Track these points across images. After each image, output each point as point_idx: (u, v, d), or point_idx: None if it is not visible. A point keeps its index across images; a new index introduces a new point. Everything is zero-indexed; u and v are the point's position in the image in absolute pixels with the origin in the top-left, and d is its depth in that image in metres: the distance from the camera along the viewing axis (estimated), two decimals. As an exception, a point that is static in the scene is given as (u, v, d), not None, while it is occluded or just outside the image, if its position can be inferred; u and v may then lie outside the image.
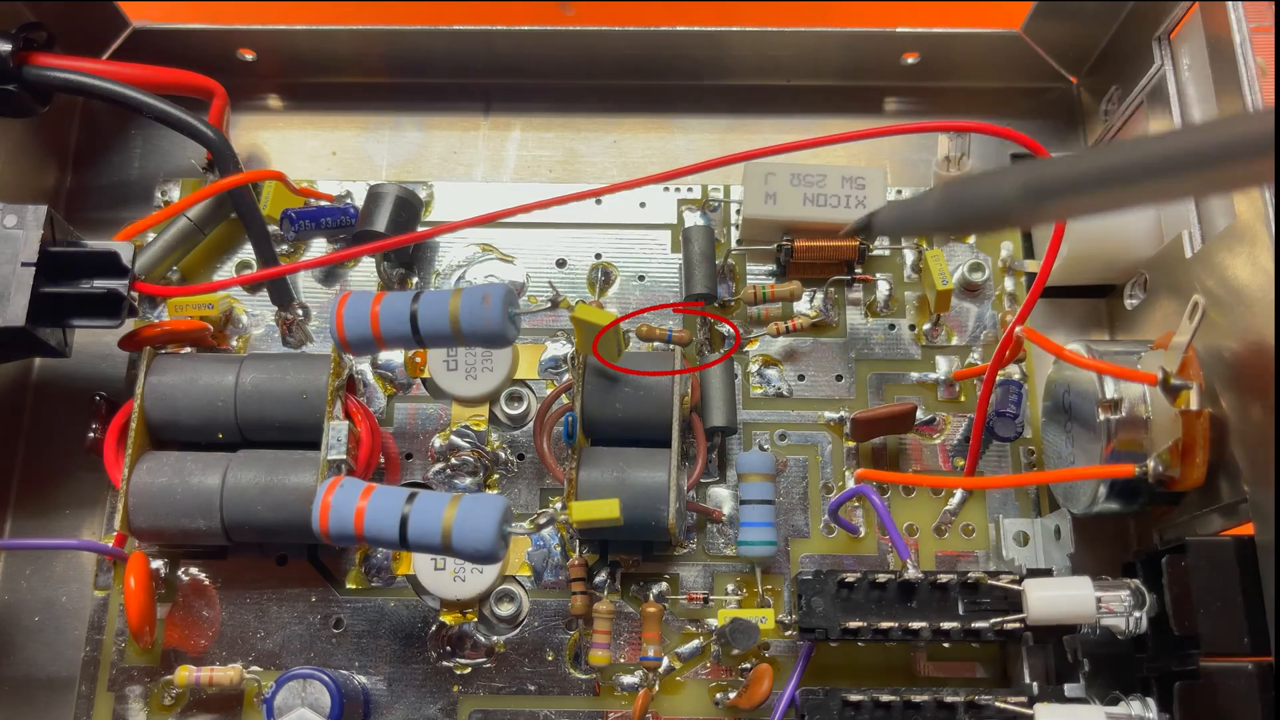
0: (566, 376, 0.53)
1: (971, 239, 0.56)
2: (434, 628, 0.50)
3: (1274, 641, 0.40)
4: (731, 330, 0.54)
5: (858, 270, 0.55)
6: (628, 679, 0.50)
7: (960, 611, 0.46)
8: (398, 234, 0.53)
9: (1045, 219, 0.24)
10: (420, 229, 0.56)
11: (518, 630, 0.51)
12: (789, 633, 0.50)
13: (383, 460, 0.53)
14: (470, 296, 0.45)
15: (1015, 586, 0.46)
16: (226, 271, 0.56)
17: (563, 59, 0.60)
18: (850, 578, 0.46)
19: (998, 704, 0.45)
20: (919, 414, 0.53)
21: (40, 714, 0.51)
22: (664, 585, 0.51)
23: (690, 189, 0.58)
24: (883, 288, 0.55)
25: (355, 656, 0.50)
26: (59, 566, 0.53)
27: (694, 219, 0.57)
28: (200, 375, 0.50)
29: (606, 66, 0.61)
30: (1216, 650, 0.41)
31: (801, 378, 0.54)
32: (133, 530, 0.49)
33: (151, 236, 0.55)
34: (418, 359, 0.54)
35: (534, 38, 0.59)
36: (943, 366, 0.54)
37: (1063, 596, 0.44)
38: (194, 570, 0.51)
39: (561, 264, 0.57)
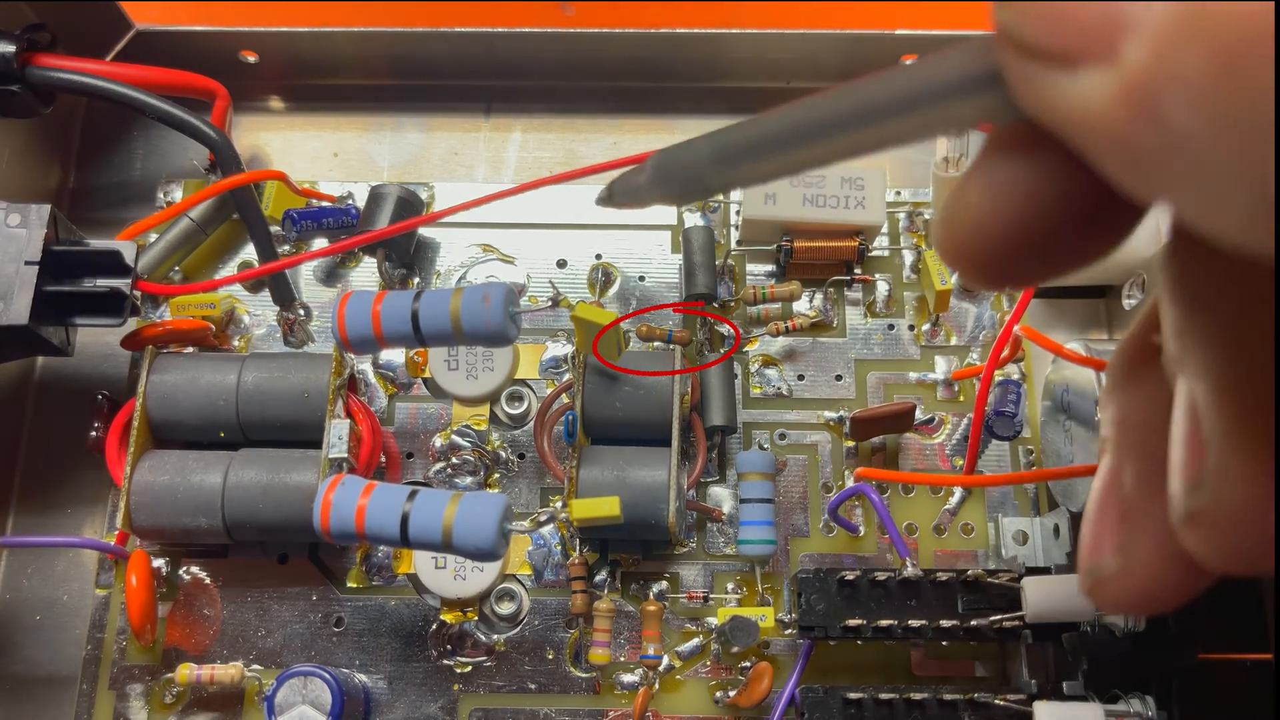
0: (567, 376, 0.53)
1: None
2: (434, 626, 0.51)
3: (1272, 638, 0.40)
4: (731, 330, 0.55)
5: (857, 270, 0.56)
6: (628, 677, 0.50)
7: (959, 610, 0.46)
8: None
9: (744, 183, 0.24)
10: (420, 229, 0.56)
11: (518, 629, 0.51)
12: (789, 631, 0.50)
13: (383, 459, 0.53)
14: (471, 296, 0.45)
15: (1014, 584, 0.46)
16: (228, 271, 0.57)
17: (563, 61, 0.61)
18: (850, 576, 0.47)
19: (997, 701, 0.45)
20: (918, 413, 0.53)
21: (41, 712, 0.51)
22: (664, 584, 0.51)
23: (690, 190, 0.58)
24: (882, 288, 0.56)
25: (356, 655, 0.50)
26: (60, 565, 0.53)
27: (694, 219, 0.57)
28: (202, 374, 0.51)
29: (607, 68, 0.61)
30: (1214, 647, 0.41)
31: (801, 377, 0.55)
32: (134, 529, 0.49)
33: (154, 236, 0.55)
34: (419, 358, 0.54)
35: (535, 40, 0.59)
36: (942, 366, 0.55)
37: (1062, 594, 0.44)
38: (195, 569, 0.51)
39: (562, 264, 0.57)
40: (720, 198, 0.58)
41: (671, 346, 0.53)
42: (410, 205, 0.55)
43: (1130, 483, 0.21)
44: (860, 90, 0.20)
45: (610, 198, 0.27)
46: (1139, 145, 0.15)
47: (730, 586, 0.51)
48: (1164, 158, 0.15)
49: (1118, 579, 0.20)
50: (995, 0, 0.18)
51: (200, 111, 0.53)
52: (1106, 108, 0.16)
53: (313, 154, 0.61)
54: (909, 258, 0.56)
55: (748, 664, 0.50)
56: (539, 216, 0.57)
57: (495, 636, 0.50)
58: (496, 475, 0.53)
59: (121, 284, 0.48)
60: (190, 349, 0.53)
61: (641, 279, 0.57)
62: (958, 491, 0.52)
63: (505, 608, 0.51)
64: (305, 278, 0.57)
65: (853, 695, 0.46)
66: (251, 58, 0.61)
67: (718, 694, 0.49)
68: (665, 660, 0.49)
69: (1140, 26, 0.15)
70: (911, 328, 0.55)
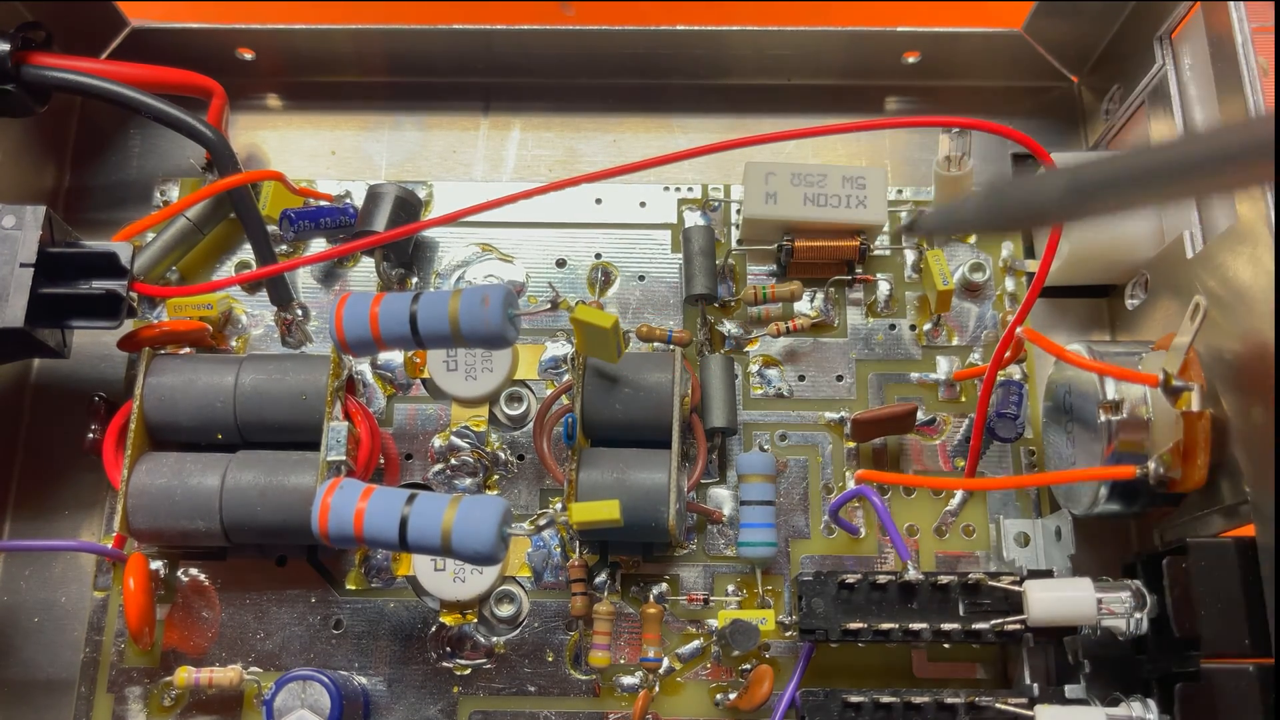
0: (566, 377, 0.53)
1: (972, 239, 0.56)
2: (434, 629, 0.50)
3: (1275, 643, 0.40)
4: (732, 331, 0.54)
5: (858, 270, 0.55)
6: (628, 680, 0.50)
7: (961, 612, 0.46)
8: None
9: (1084, 217, 0.25)
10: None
11: (518, 631, 0.50)
12: (789, 634, 0.50)
13: (382, 461, 0.53)
14: (470, 298, 0.44)
15: (1016, 588, 0.46)
16: (225, 272, 0.56)
17: (563, 58, 0.60)
18: (851, 579, 0.46)
19: (998, 705, 0.45)
20: (919, 414, 0.53)
21: (40, 715, 0.51)
22: (664, 586, 0.51)
23: (690, 189, 0.58)
24: (883, 288, 0.55)
25: (355, 657, 0.50)
26: (58, 568, 0.53)
27: (694, 219, 0.57)
28: (199, 376, 0.50)
29: (606, 66, 0.61)
30: (1217, 652, 0.41)
31: (802, 378, 0.54)
32: (132, 531, 0.49)
33: (150, 237, 0.54)
34: (417, 359, 0.54)
35: (534, 37, 0.59)
36: (943, 367, 0.54)
37: (1063, 598, 0.44)
38: (193, 571, 0.51)
39: (561, 264, 0.56)
40: (720, 196, 0.57)
41: (671, 347, 0.53)
42: (408, 204, 0.55)
43: None
44: (1228, 134, 0.21)
45: (915, 225, 0.28)
46: None
47: (731, 589, 0.51)
48: None
49: None
50: None
51: (197, 110, 0.53)
52: None
53: (310, 152, 0.61)
54: (910, 257, 0.56)
55: (748, 666, 0.49)
56: (538, 216, 0.57)
57: (495, 639, 0.50)
58: (496, 477, 0.53)
59: (117, 286, 0.48)
60: (187, 350, 0.53)
61: (641, 279, 0.56)
62: (959, 493, 0.52)
63: (505, 610, 0.50)
64: (303, 278, 0.56)
65: (853, 698, 0.46)
66: (248, 55, 0.60)
67: (718, 696, 0.49)
68: (665, 662, 0.49)
69: None
70: (913, 328, 0.55)
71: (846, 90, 0.62)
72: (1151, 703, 0.43)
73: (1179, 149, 0.22)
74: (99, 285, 0.48)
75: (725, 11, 0.60)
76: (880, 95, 0.62)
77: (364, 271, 0.56)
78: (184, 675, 0.48)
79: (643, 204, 0.57)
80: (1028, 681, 0.47)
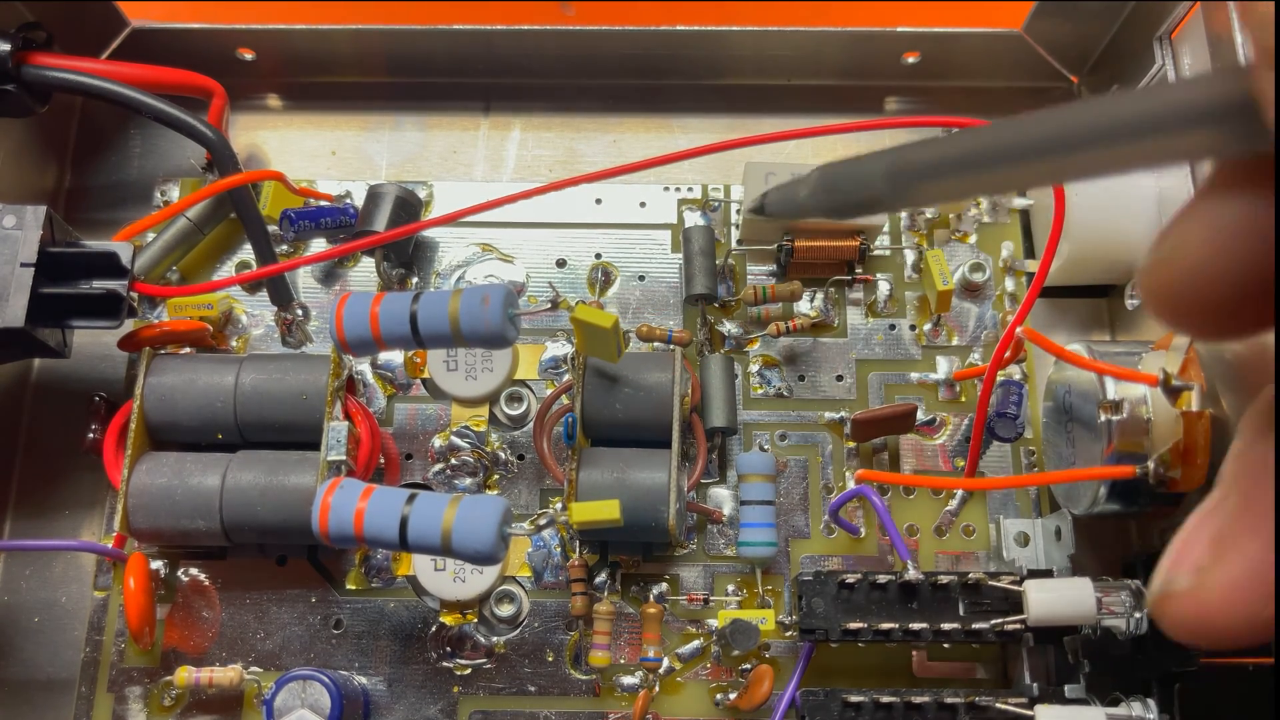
0: (566, 377, 0.53)
1: (972, 238, 0.56)
2: (434, 628, 0.50)
3: (1275, 642, 0.40)
4: (732, 331, 0.54)
5: (858, 270, 0.55)
6: (628, 680, 0.50)
7: (961, 612, 0.46)
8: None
9: (915, 203, 0.23)
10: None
11: (518, 631, 0.50)
12: (789, 633, 0.50)
13: (382, 461, 0.53)
14: (470, 297, 0.44)
15: (1016, 587, 0.46)
16: (226, 272, 0.56)
17: (563, 59, 0.60)
18: (851, 578, 0.46)
19: (998, 705, 0.45)
20: (919, 414, 0.53)
21: (40, 715, 0.51)
22: (664, 586, 0.51)
23: (690, 189, 0.58)
24: (883, 288, 0.55)
25: (355, 657, 0.50)
26: (58, 567, 0.53)
27: (694, 219, 0.57)
28: (200, 376, 0.50)
29: (607, 66, 0.61)
30: (1216, 651, 0.41)
31: (802, 378, 0.54)
32: (132, 531, 0.49)
33: (151, 237, 0.54)
34: (417, 359, 0.54)
35: (534, 37, 0.59)
36: (943, 367, 0.54)
37: (1063, 597, 0.44)
38: (194, 571, 0.51)
39: (561, 264, 0.56)
40: (720, 196, 0.57)
41: (671, 347, 0.53)
42: (409, 204, 0.55)
43: (1231, 511, 0.21)
44: (1068, 115, 0.18)
45: (763, 208, 0.27)
46: None
47: (731, 588, 0.51)
48: None
49: (1187, 597, 0.20)
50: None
51: (197, 110, 0.53)
52: None
53: (310, 152, 0.61)
54: (910, 257, 0.56)
55: (748, 666, 0.49)
56: (538, 216, 0.57)
57: (495, 639, 0.50)
58: (496, 476, 0.53)
59: (118, 286, 0.48)
60: (187, 350, 0.53)
61: (641, 279, 0.56)
62: (959, 493, 0.52)
63: (505, 610, 0.50)
64: (303, 278, 0.56)
65: (853, 698, 0.46)
66: (249, 55, 0.60)
67: (718, 696, 0.49)
68: (665, 662, 0.49)
69: None
70: (913, 328, 0.55)
71: (846, 90, 0.62)
72: (1151, 702, 0.43)
73: (1019, 127, 0.19)
74: (99, 285, 0.48)
75: (725, 12, 0.60)
76: (880, 96, 0.62)
77: (364, 271, 0.56)
78: (184, 675, 0.48)
79: (643, 204, 0.58)
80: (1028, 681, 0.47)
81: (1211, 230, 0.17)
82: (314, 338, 0.55)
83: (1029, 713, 0.44)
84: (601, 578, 0.51)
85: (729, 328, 0.55)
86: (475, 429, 0.53)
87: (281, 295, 0.53)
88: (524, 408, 0.53)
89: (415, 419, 0.54)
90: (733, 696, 0.49)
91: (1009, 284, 0.55)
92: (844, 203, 0.24)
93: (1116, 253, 0.52)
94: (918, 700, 0.45)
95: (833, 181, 0.24)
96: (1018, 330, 0.47)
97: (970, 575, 0.46)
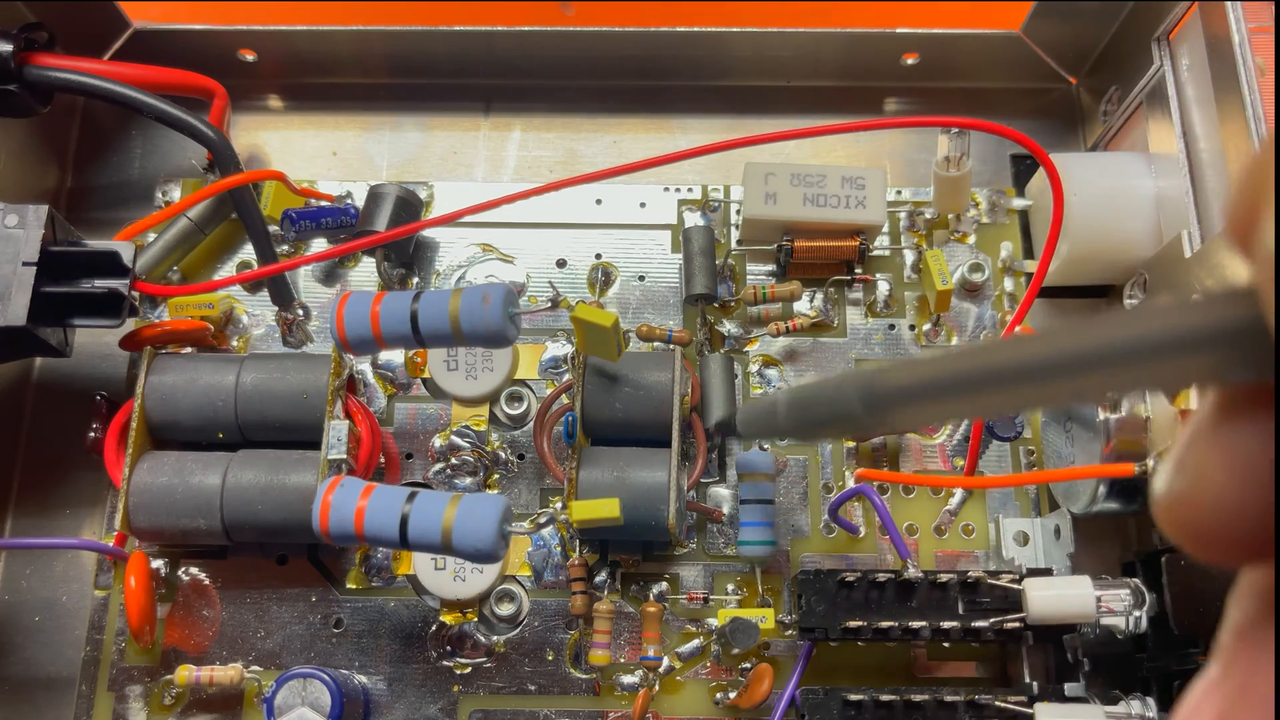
0: (566, 376, 0.53)
1: (971, 239, 0.56)
2: (434, 627, 0.50)
3: (1275, 642, 0.40)
4: (732, 330, 0.55)
5: (858, 270, 0.55)
6: (628, 679, 0.50)
7: (960, 611, 0.46)
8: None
9: (893, 427, 0.22)
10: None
11: (518, 630, 0.51)
12: (789, 632, 0.50)
13: (383, 460, 0.53)
14: (470, 297, 0.45)
15: (1015, 586, 0.46)
16: (227, 271, 0.56)
17: (563, 59, 0.60)
18: (850, 577, 0.46)
19: (998, 703, 0.45)
20: (919, 414, 0.53)
21: (40, 713, 0.51)
22: (664, 585, 0.51)
23: (690, 189, 0.58)
24: (883, 288, 0.55)
25: (355, 656, 0.50)
26: (59, 566, 0.53)
27: (694, 219, 0.57)
28: (201, 375, 0.50)
29: (607, 67, 0.61)
30: (1216, 649, 0.41)
31: (802, 378, 0.54)
32: (133, 530, 0.49)
33: (152, 236, 0.55)
34: (418, 359, 0.54)
35: (534, 38, 0.59)
36: (943, 366, 0.54)
37: (1063, 596, 0.44)
38: (194, 570, 0.51)
39: (562, 264, 0.57)
40: (720, 196, 0.57)
41: (671, 347, 0.53)
42: (409, 205, 0.55)
43: (1233, 690, 0.20)
44: (1062, 339, 0.17)
45: (733, 428, 0.25)
46: None
47: (730, 587, 0.51)
48: None
49: None
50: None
51: (198, 111, 0.53)
52: None
53: (311, 153, 0.61)
54: (910, 257, 0.56)
55: (748, 665, 0.49)
56: (539, 216, 0.57)
57: (495, 638, 0.50)
58: (496, 476, 0.53)
59: (119, 285, 0.48)
60: (189, 349, 0.53)
61: (641, 279, 0.56)
62: (958, 492, 0.52)
63: (505, 609, 0.51)
64: (304, 278, 0.56)
65: (853, 697, 0.46)
66: (250, 56, 0.60)
67: (718, 695, 0.49)
68: (665, 661, 0.49)
69: None
70: (912, 328, 0.55)
71: (846, 91, 0.62)
72: (1151, 701, 0.43)
73: (1010, 352, 0.18)
74: (101, 284, 0.48)
75: (725, 13, 0.61)
76: (879, 96, 0.62)
77: (365, 271, 0.56)
78: (184, 674, 0.48)
79: (643, 204, 0.58)
80: (1027, 680, 0.47)
81: (1231, 460, 0.16)
82: (315, 337, 0.55)
83: (1028, 711, 0.44)
84: (601, 577, 0.51)
85: (729, 328, 0.55)
86: (475, 428, 0.53)
87: (282, 295, 0.53)
88: (524, 407, 0.53)
89: (416, 418, 0.54)
90: (733, 695, 0.49)
91: (1008, 284, 0.56)
92: (818, 424, 0.23)
93: (1115, 252, 0.52)
94: (917, 699, 0.45)
95: (808, 402, 0.23)
96: (1017, 330, 0.47)
97: (970, 574, 0.46)
